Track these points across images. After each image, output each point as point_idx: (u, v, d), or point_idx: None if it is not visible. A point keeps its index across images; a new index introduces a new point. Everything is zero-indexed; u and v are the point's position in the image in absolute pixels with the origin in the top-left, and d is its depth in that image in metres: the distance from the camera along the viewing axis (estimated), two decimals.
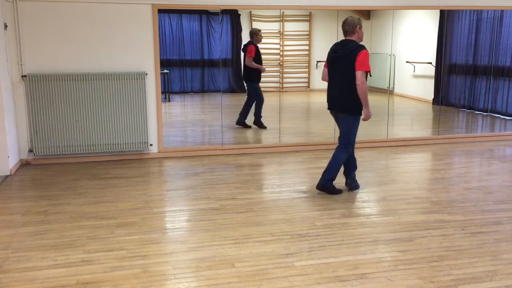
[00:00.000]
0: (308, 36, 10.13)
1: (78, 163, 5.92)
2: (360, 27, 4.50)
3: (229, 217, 4.11)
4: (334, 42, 4.69)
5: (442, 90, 9.12)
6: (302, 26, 10.12)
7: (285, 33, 9.86)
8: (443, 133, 7.45)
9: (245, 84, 8.22)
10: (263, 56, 7.82)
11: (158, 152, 6.24)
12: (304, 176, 5.41)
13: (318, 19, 10.06)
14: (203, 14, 10.33)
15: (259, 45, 7.73)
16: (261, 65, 7.66)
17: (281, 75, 9.81)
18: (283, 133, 7.34)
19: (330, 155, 4.73)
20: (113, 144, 5.97)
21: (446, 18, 8.93)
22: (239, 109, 7.94)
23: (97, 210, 4.28)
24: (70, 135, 5.83)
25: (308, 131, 8.24)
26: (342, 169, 4.82)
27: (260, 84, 7.80)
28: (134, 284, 2.97)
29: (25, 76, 5.67)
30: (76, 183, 5.11)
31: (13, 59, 5.63)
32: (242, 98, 8.83)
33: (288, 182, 5.19)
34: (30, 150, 5.84)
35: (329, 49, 4.68)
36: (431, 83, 9.49)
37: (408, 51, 9.81)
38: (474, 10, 8.85)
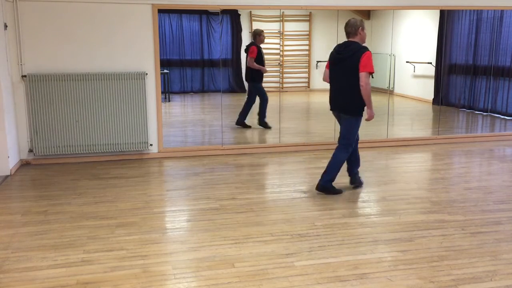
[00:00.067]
0: (308, 36, 10.13)
1: (78, 163, 5.92)
2: (363, 29, 4.53)
3: (229, 217, 4.11)
4: (334, 42, 4.70)
5: (442, 90, 9.12)
6: (302, 26, 10.12)
7: (285, 33, 9.86)
8: (443, 133, 7.45)
9: (246, 85, 8.22)
10: None
11: (158, 152, 6.24)
12: (304, 176, 5.41)
13: (318, 19, 10.06)
14: (203, 14, 10.33)
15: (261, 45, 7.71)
16: (264, 66, 7.64)
17: (281, 75, 9.81)
18: (283, 133, 7.34)
19: (330, 155, 4.73)
20: (113, 144, 5.97)
21: (446, 18, 8.93)
22: (239, 109, 7.93)
23: (97, 210, 4.28)
24: (70, 135, 5.83)
25: (308, 131, 8.24)
26: (345, 167, 4.82)
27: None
28: (134, 284, 2.97)
29: (25, 76, 5.67)
30: (76, 183, 5.11)
31: (13, 59, 5.63)
32: (242, 98, 8.82)
33: (288, 182, 5.19)
34: (30, 150, 5.84)
35: (328, 49, 4.70)
36: (431, 83, 9.49)
37: (408, 51, 9.81)
38: (474, 10, 8.85)
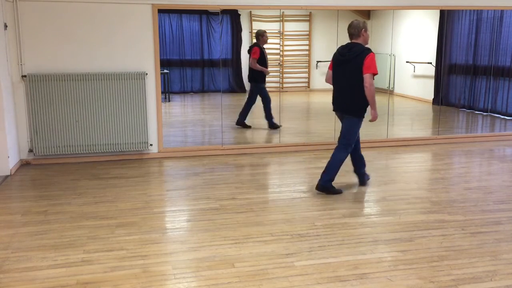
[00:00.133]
0: (308, 36, 10.13)
1: (78, 163, 5.92)
2: (366, 30, 4.57)
3: (229, 217, 4.11)
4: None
5: (442, 90, 9.12)
6: (302, 26, 10.12)
7: (285, 33, 9.86)
8: (443, 133, 7.45)
9: (245, 85, 8.21)
10: None
11: (158, 152, 6.24)
12: (304, 176, 5.41)
13: (318, 19, 10.06)
14: (203, 14, 10.34)
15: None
16: (267, 66, 7.62)
17: (281, 75, 9.81)
18: (283, 133, 7.35)
19: (330, 155, 4.73)
20: (113, 144, 5.97)
21: (446, 18, 8.93)
22: (239, 109, 7.93)
23: (97, 210, 4.28)
24: (70, 135, 5.83)
25: (308, 131, 8.24)
26: (348, 167, 4.82)
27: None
28: (134, 284, 2.97)
29: (25, 76, 5.67)
30: (76, 183, 5.11)
31: (13, 59, 5.63)
32: (242, 98, 8.81)
33: (288, 182, 5.19)
34: (30, 150, 5.84)
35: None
36: (431, 83, 9.49)
37: (408, 51, 9.81)
38: (474, 10, 8.85)
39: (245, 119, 7.80)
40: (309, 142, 6.76)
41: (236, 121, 7.86)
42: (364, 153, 5.00)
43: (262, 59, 7.52)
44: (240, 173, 5.56)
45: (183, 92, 10.71)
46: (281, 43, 9.62)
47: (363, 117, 4.60)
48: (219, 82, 10.28)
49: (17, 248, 3.48)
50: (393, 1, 6.73)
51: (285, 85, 10.11)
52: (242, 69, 10.16)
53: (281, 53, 9.62)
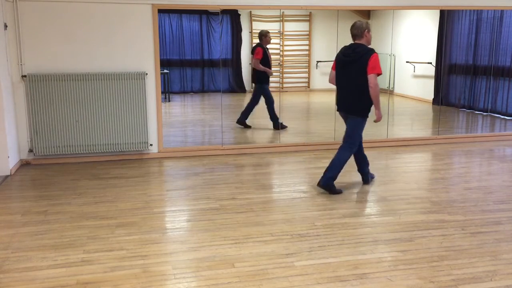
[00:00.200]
0: (308, 36, 10.13)
1: (78, 163, 5.92)
2: (369, 31, 4.61)
3: (229, 217, 4.11)
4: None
5: (442, 90, 9.12)
6: (302, 26, 10.11)
7: (285, 33, 9.85)
8: (443, 133, 7.45)
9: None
10: None
11: (158, 152, 6.24)
12: (304, 176, 5.41)
13: (318, 19, 10.05)
14: (203, 14, 10.33)
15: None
16: (270, 67, 7.60)
17: (281, 75, 9.80)
18: (283, 133, 7.35)
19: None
20: (113, 144, 5.97)
21: (446, 18, 8.92)
22: (239, 109, 7.92)
23: (97, 210, 4.28)
24: (70, 135, 5.83)
25: (308, 131, 8.24)
26: (352, 167, 4.83)
27: None
28: (134, 284, 2.97)
29: (25, 76, 5.67)
30: (76, 183, 5.11)
31: (13, 59, 5.63)
32: (242, 98, 8.83)
33: (288, 182, 5.19)
34: (30, 150, 5.84)
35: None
36: (431, 83, 9.49)
37: (408, 51, 9.81)
38: (474, 10, 8.85)
39: (246, 118, 7.79)
40: (309, 142, 6.76)
41: (237, 119, 7.85)
42: (364, 153, 5.00)
43: (265, 59, 7.48)
44: (240, 173, 5.56)
45: (183, 92, 10.71)
46: (281, 43, 9.61)
47: (367, 116, 4.65)
48: (219, 82, 10.27)
49: (17, 248, 3.48)
50: (393, 1, 6.73)
51: (285, 85, 10.11)
52: (242, 69, 10.16)
53: (281, 53, 9.61)
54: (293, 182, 5.19)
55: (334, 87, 4.88)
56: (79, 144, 5.87)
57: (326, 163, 5.82)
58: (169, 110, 9.68)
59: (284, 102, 9.08)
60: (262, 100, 7.67)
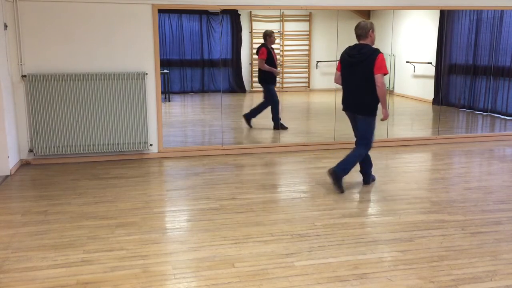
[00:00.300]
0: (308, 36, 10.13)
1: (78, 163, 5.92)
2: (373, 31, 4.66)
3: (229, 217, 4.11)
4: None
5: (442, 90, 9.12)
6: (302, 26, 10.12)
7: (285, 33, 9.86)
8: (443, 133, 7.45)
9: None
10: None
11: (158, 152, 6.24)
12: (304, 176, 5.41)
13: (318, 19, 10.06)
14: (203, 14, 10.34)
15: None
16: (276, 67, 7.58)
17: (281, 75, 9.81)
18: (283, 133, 7.35)
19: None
20: (113, 144, 5.97)
21: (446, 18, 8.92)
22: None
23: (97, 210, 4.28)
24: (70, 135, 5.83)
25: (308, 131, 8.24)
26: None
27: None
28: (134, 284, 2.97)
29: (25, 76, 5.67)
30: (76, 183, 5.11)
31: (13, 59, 5.63)
32: (242, 98, 8.84)
33: (288, 182, 5.19)
34: (30, 150, 5.84)
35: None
36: (431, 83, 9.49)
37: (408, 51, 9.81)
38: (474, 10, 8.85)
39: (253, 116, 7.71)
40: (309, 142, 6.76)
41: (245, 113, 7.78)
42: (369, 153, 5.00)
43: (270, 59, 7.44)
44: (240, 173, 5.56)
45: (183, 92, 10.72)
46: (281, 43, 9.62)
47: (376, 114, 4.71)
48: (219, 82, 10.28)
49: (17, 248, 3.48)
50: (393, 1, 6.73)
51: (285, 85, 10.12)
52: (242, 69, 10.16)
53: (281, 53, 9.62)
54: (293, 182, 5.19)
55: (333, 87, 4.91)
56: (79, 144, 5.87)
57: (326, 163, 5.84)
58: (169, 110, 9.68)
59: (284, 102, 9.08)
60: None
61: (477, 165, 5.98)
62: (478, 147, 6.82)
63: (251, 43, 9.95)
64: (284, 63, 9.98)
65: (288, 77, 10.20)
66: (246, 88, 10.15)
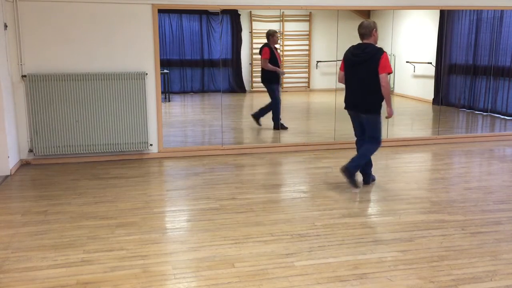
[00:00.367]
0: (308, 36, 10.13)
1: (78, 163, 5.92)
2: (376, 30, 4.68)
3: (229, 217, 4.11)
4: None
5: (442, 90, 9.12)
6: (302, 26, 10.12)
7: (285, 33, 9.86)
8: (443, 133, 7.45)
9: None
10: None
11: (158, 152, 6.24)
12: (304, 176, 5.41)
13: (318, 19, 10.06)
14: (203, 14, 10.34)
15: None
16: (279, 66, 7.56)
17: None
18: (283, 133, 7.35)
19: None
20: (113, 144, 5.97)
21: (446, 18, 8.92)
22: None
23: (97, 210, 4.28)
24: (70, 135, 5.83)
25: (308, 131, 8.24)
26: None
27: (261, 85, 7.74)
28: (134, 284, 2.97)
29: (25, 76, 5.67)
30: (76, 183, 5.11)
31: (13, 59, 5.63)
32: (242, 98, 8.84)
33: (288, 182, 5.19)
34: (30, 150, 5.84)
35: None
36: (431, 83, 9.49)
37: (408, 51, 9.81)
38: (474, 10, 8.85)
39: (262, 116, 7.72)
40: (309, 142, 6.76)
41: (254, 112, 7.76)
42: None
43: (273, 59, 7.42)
44: (240, 173, 5.56)
45: (183, 92, 10.72)
46: (281, 43, 9.62)
47: (380, 113, 4.73)
48: (219, 82, 10.28)
49: (17, 248, 3.48)
50: (393, 1, 6.73)
51: (285, 85, 10.11)
52: (242, 69, 10.17)
53: (281, 53, 9.61)
54: (293, 182, 5.19)
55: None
56: (79, 144, 5.87)
57: (326, 163, 5.84)
58: (169, 110, 9.68)
59: (284, 102, 9.07)
60: (268, 98, 7.62)
61: (477, 165, 5.98)
62: (478, 147, 6.82)
63: (251, 43, 9.95)
64: (284, 63, 9.97)
65: (288, 77, 10.20)
66: (246, 88, 10.16)
